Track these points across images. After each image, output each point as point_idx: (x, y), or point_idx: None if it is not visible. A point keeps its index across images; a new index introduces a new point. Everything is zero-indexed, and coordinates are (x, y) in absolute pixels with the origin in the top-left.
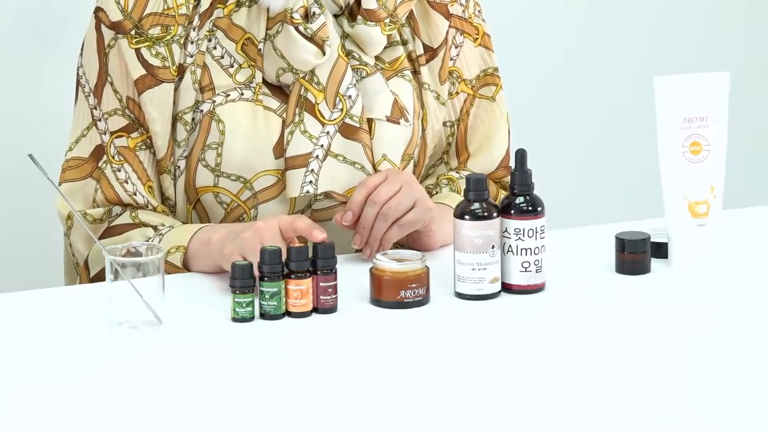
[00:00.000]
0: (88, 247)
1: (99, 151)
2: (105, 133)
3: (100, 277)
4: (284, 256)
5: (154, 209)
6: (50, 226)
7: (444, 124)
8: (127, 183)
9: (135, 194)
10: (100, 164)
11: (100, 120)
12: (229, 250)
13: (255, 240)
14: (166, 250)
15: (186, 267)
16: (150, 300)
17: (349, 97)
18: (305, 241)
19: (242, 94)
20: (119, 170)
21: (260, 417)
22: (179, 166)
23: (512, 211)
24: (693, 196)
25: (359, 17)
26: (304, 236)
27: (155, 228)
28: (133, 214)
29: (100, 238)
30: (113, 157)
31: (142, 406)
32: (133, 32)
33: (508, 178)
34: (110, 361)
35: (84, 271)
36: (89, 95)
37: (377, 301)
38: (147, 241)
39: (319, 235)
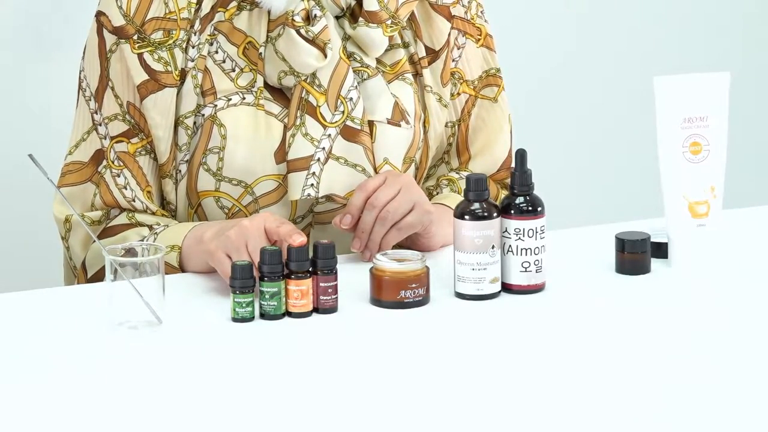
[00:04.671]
0: (85, 250)
1: (99, 156)
2: (105, 138)
3: (97, 278)
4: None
5: (153, 214)
6: (50, 226)
7: (445, 124)
8: (126, 189)
9: (134, 200)
10: (99, 169)
11: (100, 124)
12: (213, 246)
13: (240, 239)
14: (166, 250)
15: (181, 266)
16: (150, 300)
17: (351, 99)
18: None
19: (244, 98)
20: (119, 175)
21: (260, 417)
22: (180, 170)
23: (512, 211)
24: (693, 196)
25: (361, 19)
26: (285, 241)
27: (150, 227)
28: (130, 215)
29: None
30: (113, 162)
31: (142, 406)
32: (135, 37)
33: None
34: (110, 361)
35: (81, 273)
36: (90, 99)
37: (377, 301)
38: (142, 240)
39: (297, 238)
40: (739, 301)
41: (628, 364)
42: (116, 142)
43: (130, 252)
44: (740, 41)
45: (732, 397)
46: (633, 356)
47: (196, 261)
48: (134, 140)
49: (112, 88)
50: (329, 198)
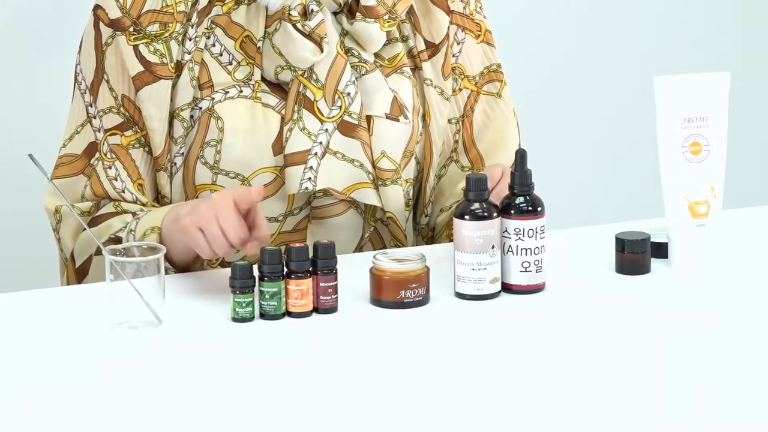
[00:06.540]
0: (74, 241)
1: (92, 148)
2: (99, 131)
3: (84, 268)
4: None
5: (144, 206)
6: (50, 226)
7: (449, 121)
8: (116, 180)
9: (123, 191)
10: (92, 161)
11: (95, 117)
12: (186, 222)
13: (210, 212)
14: (157, 245)
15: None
16: (150, 300)
17: (348, 94)
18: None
19: (241, 91)
20: (110, 167)
21: (260, 417)
22: (176, 164)
23: (512, 211)
24: (693, 196)
25: (358, 14)
26: (254, 204)
27: (134, 214)
28: (116, 204)
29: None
30: (105, 155)
31: (142, 406)
32: (131, 29)
33: None
34: (110, 361)
35: (70, 263)
36: (85, 92)
37: (377, 301)
38: (125, 226)
39: (257, 191)
40: (739, 301)
41: (628, 364)
42: (110, 135)
43: (130, 252)
44: (740, 41)
45: (732, 397)
46: (633, 356)
47: (176, 241)
48: (128, 133)
49: (107, 81)
50: (327, 192)
